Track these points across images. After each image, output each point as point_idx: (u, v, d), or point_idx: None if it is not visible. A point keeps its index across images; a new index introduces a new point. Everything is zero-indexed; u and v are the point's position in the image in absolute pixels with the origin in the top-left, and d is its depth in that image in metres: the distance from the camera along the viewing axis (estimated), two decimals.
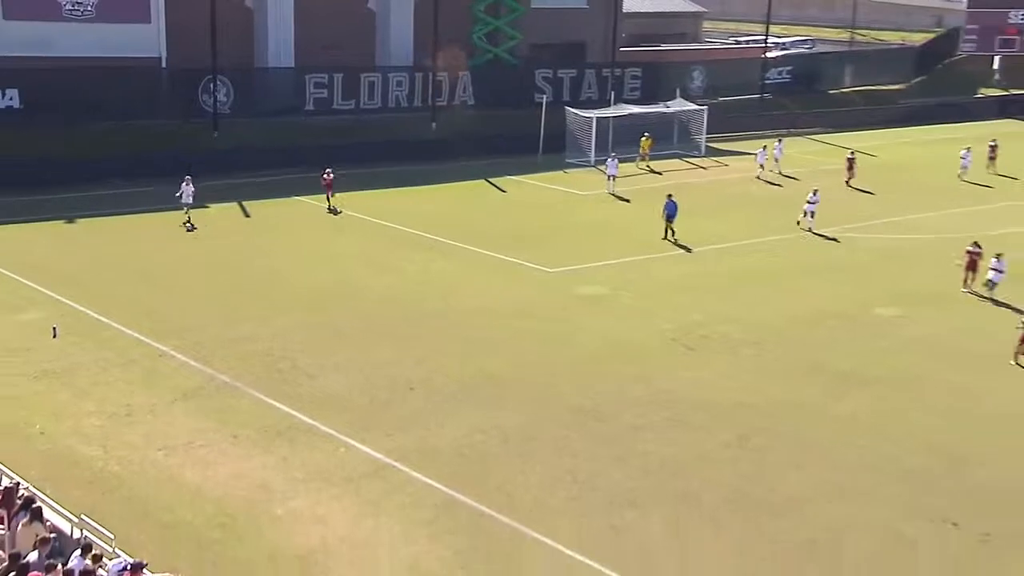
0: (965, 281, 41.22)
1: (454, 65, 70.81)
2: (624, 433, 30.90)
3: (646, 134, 67.82)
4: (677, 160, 67.97)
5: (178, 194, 46.40)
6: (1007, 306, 41.50)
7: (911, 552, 25.42)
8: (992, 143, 67.42)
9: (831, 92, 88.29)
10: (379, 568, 23.60)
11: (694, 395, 33.39)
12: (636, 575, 23.61)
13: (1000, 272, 42.36)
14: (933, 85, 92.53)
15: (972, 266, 40.90)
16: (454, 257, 45.91)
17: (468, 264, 45.04)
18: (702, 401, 32.96)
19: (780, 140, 68.44)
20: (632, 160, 65.32)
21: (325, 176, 48.18)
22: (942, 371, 36.48)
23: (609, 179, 56.70)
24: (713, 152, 70.24)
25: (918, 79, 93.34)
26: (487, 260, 45.58)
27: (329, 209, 48.38)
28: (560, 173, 63.54)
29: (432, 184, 57.86)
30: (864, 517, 26.93)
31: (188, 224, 46.74)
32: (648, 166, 65.65)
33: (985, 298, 42.27)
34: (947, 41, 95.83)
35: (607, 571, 23.80)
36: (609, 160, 57.52)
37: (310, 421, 30.33)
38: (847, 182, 62.30)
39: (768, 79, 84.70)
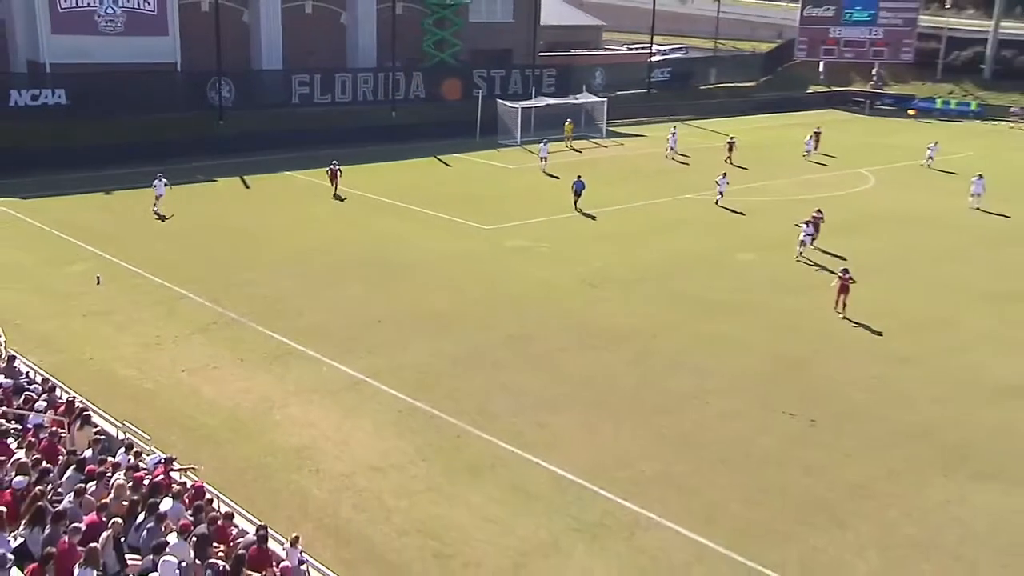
0: (836, 305, 35.92)
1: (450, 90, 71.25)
2: (547, 353, 31.52)
3: (569, 120, 68.82)
4: (585, 141, 67.96)
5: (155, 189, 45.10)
6: (831, 253, 42.10)
7: (763, 435, 26.19)
8: (816, 130, 68.21)
9: (700, 87, 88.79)
10: (357, 458, 24.09)
11: (599, 322, 34.16)
12: (555, 460, 24.18)
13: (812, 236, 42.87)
14: (776, 83, 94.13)
15: (844, 290, 35.73)
16: (410, 218, 46.27)
17: (421, 223, 45.45)
18: (606, 327, 33.79)
19: (675, 128, 68.49)
20: (553, 140, 64.98)
21: (332, 168, 47.63)
22: (784, 299, 37.13)
23: (542, 160, 56.79)
24: (612, 134, 71.04)
25: (765, 78, 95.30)
26: (436, 220, 45.99)
27: (335, 196, 48.00)
28: (494, 151, 64.01)
29: (393, 161, 58.31)
30: (728, 410, 27.58)
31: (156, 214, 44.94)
32: (571, 145, 65.66)
33: (804, 259, 42.29)
34: (785, 49, 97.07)
35: (533, 458, 24.16)
36: (542, 145, 58.23)
37: (300, 347, 30.79)
38: (727, 160, 62.36)
39: (653, 77, 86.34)
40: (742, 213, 50.57)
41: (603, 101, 72.21)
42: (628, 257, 42.19)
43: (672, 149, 65.76)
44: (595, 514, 22.20)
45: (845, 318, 34.86)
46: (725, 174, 52.76)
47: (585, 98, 72.30)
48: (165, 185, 42.32)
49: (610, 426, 26.45)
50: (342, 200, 45.68)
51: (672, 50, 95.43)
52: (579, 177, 49.51)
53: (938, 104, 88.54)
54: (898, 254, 43.96)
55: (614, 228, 46.33)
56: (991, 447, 26.47)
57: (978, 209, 51.69)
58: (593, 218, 47.99)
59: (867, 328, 34.73)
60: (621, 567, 20.39)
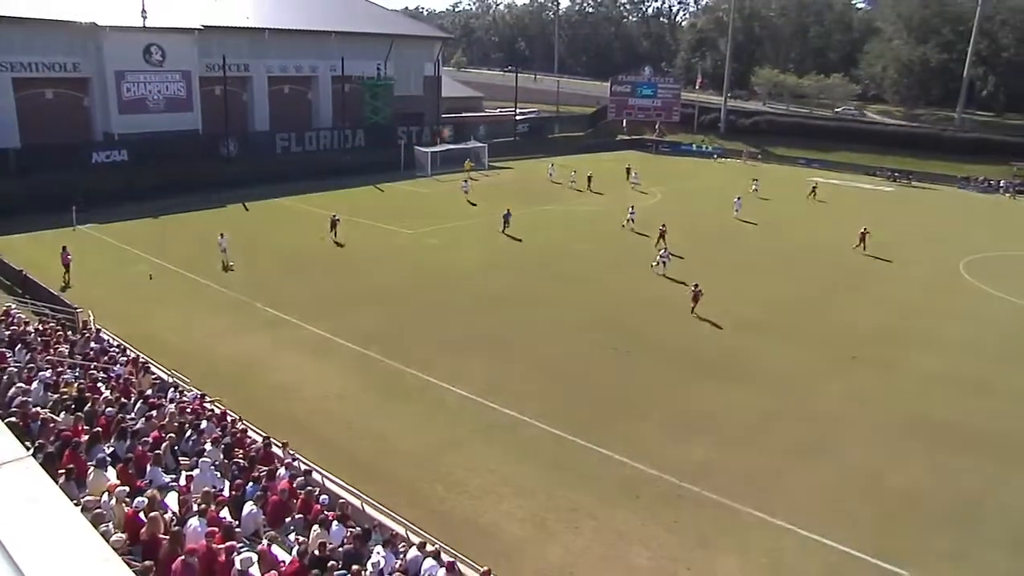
0: (692, 309, 32.69)
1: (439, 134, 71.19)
2: (459, 313, 31.96)
3: (468, 159, 68.65)
4: (475, 172, 67.69)
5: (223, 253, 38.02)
6: (645, 235, 42.81)
7: (596, 363, 26.69)
8: (627, 167, 68.05)
9: (548, 136, 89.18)
10: (326, 390, 24.03)
11: (490, 292, 34.60)
12: (460, 385, 24.53)
13: (668, 258, 38.19)
14: (597, 133, 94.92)
15: (696, 298, 32.62)
16: (357, 227, 45.79)
17: (364, 230, 45.16)
18: (494, 295, 34.21)
19: (552, 164, 68.42)
20: (452, 172, 64.98)
21: (333, 218, 42.86)
22: (614, 276, 37.79)
23: (464, 192, 55.22)
24: (493, 168, 70.11)
25: (590, 130, 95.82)
26: (374, 227, 45.78)
27: (335, 243, 42.29)
28: (413, 181, 63.50)
29: (344, 189, 57.37)
30: (574, 348, 28.06)
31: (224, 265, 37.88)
32: (470, 176, 65.37)
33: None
34: (602, 112, 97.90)
35: (445, 384, 24.41)
36: (463, 183, 56.69)
37: (284, 316, 30.84)
38: (588, 188, 61.87)
39: (517, 130, 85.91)
40: (609, 211, 51.32)
41: (484, 146, 72.21)
42: (506, 251, 42.59)
43: (551, 175, 65.74)
44: (488, 419, 22.65)
45: (697, 317, 32.14)
46: (633, 206, 49.47)
47: (473, 144, 72.31)
48: (225, 239, 37.79)
49: (498, 361, 26.91)
50: (341, 246, 41.31)
51: (529, 112, 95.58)
52: (508, 210, 46.12)
53: (696, 148, 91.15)
54: (686, 242, 44.86)
55: (498, 229, 46.53)
56: (729, 361, 27.66)
57: (737, 219, 52.24)
58: (485, 222, 48.15)
59: (668, 295, 35.72)
60: (505, 452, 20.88)
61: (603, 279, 37.58)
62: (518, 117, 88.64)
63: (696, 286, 32.63)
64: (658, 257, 38.09)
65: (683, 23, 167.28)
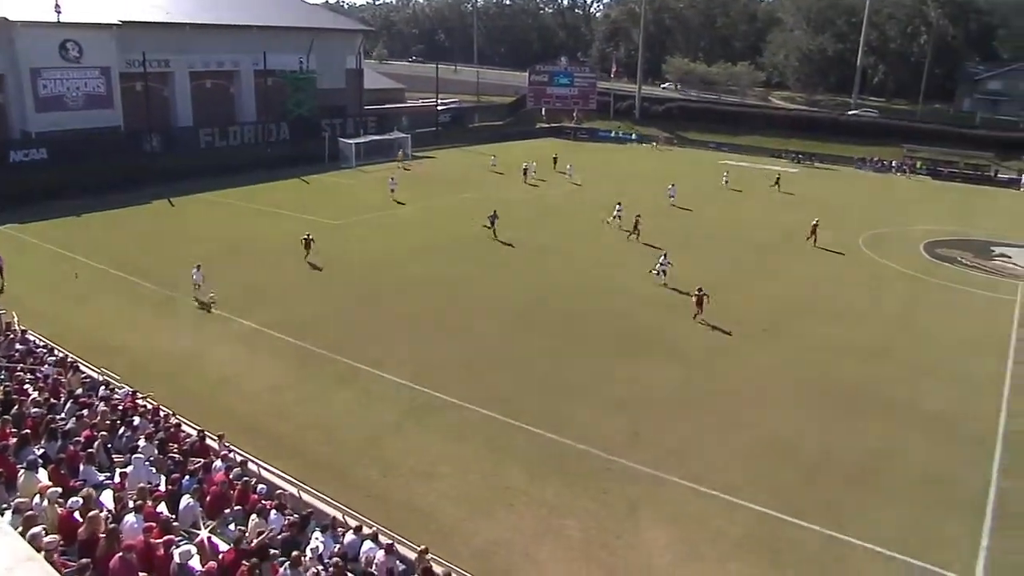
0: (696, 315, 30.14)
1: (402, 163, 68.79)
2: (390, 300, 32.10)
3: (401, 149, 67.92)
4: (396, 162, 66.88)
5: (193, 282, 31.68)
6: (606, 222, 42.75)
7: (523, 342, 26.86)
8: (555, 156, 67.31)
9: (470, 126, 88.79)
10: (262, 381, 23.52)
11: (419, 275, 34.53)
12: (393, 371, 24.20)
13: (668, 265, 34.41)
14: (517, 122, 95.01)
15: (699, 303, 30.17)
16: (283, 219, 44.98)
17: (293, 222, 44.08)
18: (422, 277, 34.21)
19: (494, 156, 67.22)
20: (376, 162, 64.12)
21: (306, 237, 36.64)
22: (535, 259, 37.70)
23: (391, 191, 52.04)
24: (416, 158, 69.30)
25: (510, 118, 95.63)
26: (300, 219, 44.74)
27: (308, 262, 36.25)
28: (337, 172, 62.37)
29: (270, 183, 55.99)
30: (501, 329, 28.14)
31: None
32: (402, 166, 64.66)
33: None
34: (521, 101, 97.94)
35: (378, 372, 24.18)
36: (391, 179, 53.74)
37: (215, 310, 29.56)
38: (525, 182, 59.98)
39: (439, 120, 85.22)
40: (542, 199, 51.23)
41: (408, 136, 71.48)
42: (428, 236, 42.26)
43: (493, 165, 64.73)
44: (421, 403, 22.57)
45: (704, 323, 29.99)
46: (620, 202, 46.79)
47: (397, 135, 71.42)
48: (200, 273, 31.27)
49: (430, 345, 26.78)
50: (320, 270, 35.30)
51: (451, 103, 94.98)
52: (495, 211, 42.51)
53: (615, 135, 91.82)
54: (598, 225, 45.38)
55: (426, 217, 46.25)
56: (650, 337, 28.08)
57: (674, 205, 51.88)
58: (406, 209, 47.66)
59: (592, 277, 35.98)
60: (439, 434, 20.85)
61: (526, 262, 37.72)
62: (440, 108, 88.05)
63: (700, 290, 30.18)
64: (657, 266, 34.36)
65: (597, 14, 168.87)
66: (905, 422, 22.88)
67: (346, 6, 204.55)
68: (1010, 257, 44.26)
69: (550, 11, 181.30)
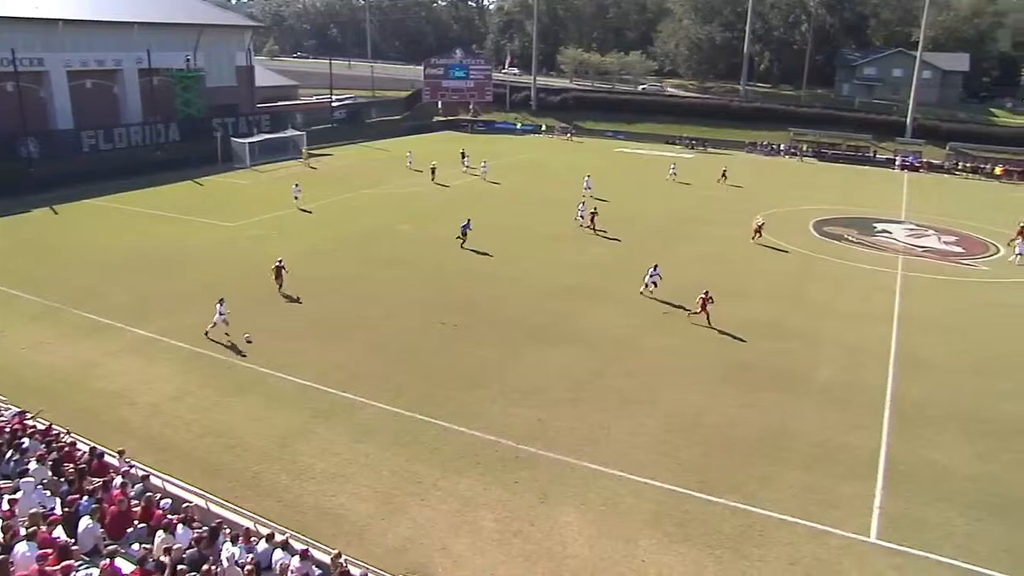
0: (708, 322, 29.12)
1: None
2: (289, 302, 30.56)
3: (304, 148, 66.89)
4: (295, 161, 65.39)
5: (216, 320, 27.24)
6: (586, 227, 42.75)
7: (426, 338, 26.73)
8: (463, 151, 65.18)
9: (367, 121, 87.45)
10: (159, 392, 22.97)
11: (318, 278, 33.62)
12: (297, 373, 23.97)
13: (658, 277, 32.36)
14: (414, 116, 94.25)
15: (704, 306, 29.05)
16: (179, 223, 43.40)
17: (186, 226, 42.70)
18: (323, 280, 33.40)
19: (409, 152, 64.81)
20: (271, 162, 62.53)
21: (278, 264, 32.11)
22: (438, 254, 37.71)
23: (295, 198, 48.36)
24: (313, 155, 67.81)
25: (407, 113, 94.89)
26: (194, 223, 43.44)
27: (281, 293, 31.75)
28: (231, 173, 60.63)
29: (160, 186, 53.78)
30: (404, 325, 27.97)
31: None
32: (308, 164, 63.32)
33: (653, 298, 32.10)
34: (417, 95, 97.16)
35: (282, 375, 23.86)
36: (295, 186, 49.61)
37: (108, 321, 28.62)
38: (433, 180, 57.87)
39: (335, 116, 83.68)
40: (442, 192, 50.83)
41: (303, 134, 70.01)
42: (330, 235, 41.61)
43: (409, 164, 62.36)
44: (327, 405, 22.24)
45: (711, 327, 29.08)
46: (583, 202, 46.42)
47: (291, 133, 69.93)
48: (224, 307, 27.07)
49: (333, 345, 26.40)
50: (298, 301, 30.78)
51: (346, 98, 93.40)
52: (468, 220, 39.81)
53: (519, 126, 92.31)
54: (504, 218, 45.57)
55: (322, 216, 45.47)
56: (555, 326, 28.45)
57: (591, 196, 51.15)
58: (308, 210, 46.71)
59: (491, 269, 36.09)
60: (347, 434, 20.64)
61: (429, 257, 37.58)
62: (335, 104, 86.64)
63: (706, 293, 29.40)
64: (647, 279, 32.34)
65: (491, 7, 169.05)
66: (801, 393, 24.04)
67: (233, 1, 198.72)
68: (891, 233, 46.73)
69: (444, 4, 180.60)
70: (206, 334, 26.68)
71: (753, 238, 42.14)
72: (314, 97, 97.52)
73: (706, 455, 20.21)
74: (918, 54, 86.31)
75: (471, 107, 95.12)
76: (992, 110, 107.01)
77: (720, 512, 17.79)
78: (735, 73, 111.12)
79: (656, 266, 32.56)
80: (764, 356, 26.79)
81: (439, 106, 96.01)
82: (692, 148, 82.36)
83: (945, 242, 45.01)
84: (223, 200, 50.53)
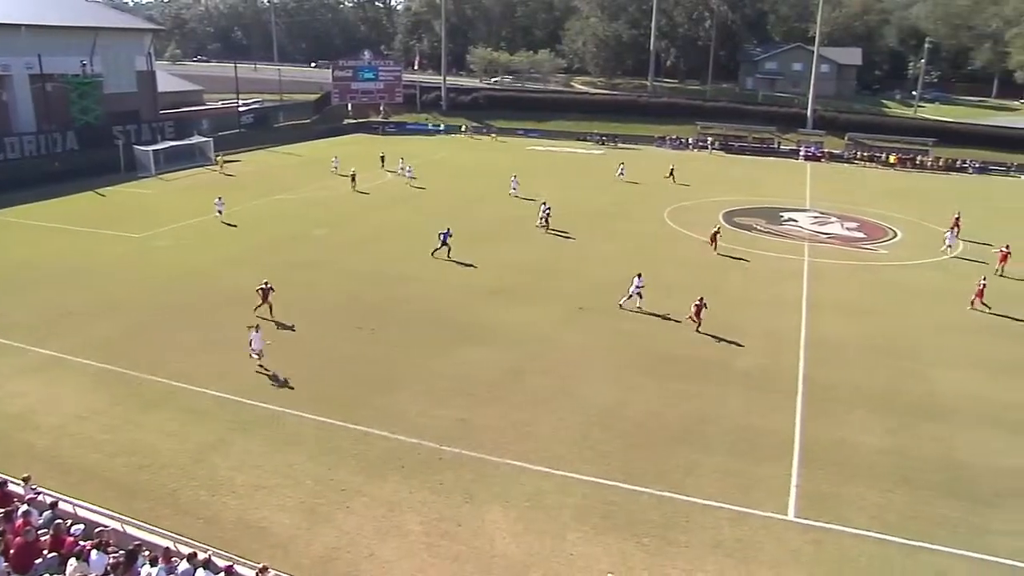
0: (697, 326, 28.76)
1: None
2: (200, 313, 30.60)
3: (219, 154, 65.18)
4: (202, 168, 63.41)
5: None
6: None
7: (345, 342, 26.49)
8: (382, 155, 64.62)
9: (275, 125, 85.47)
10: (66, 412, 22.07)
11: (229, 288, 32.64)
12: (213, 386, 23.25)
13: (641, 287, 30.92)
14: (324, 119, 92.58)
15: (697, 312, 28.76)
16: (79, 236, 41.49)
17: (88, 238, 40.94)
18: (234, 290, 32.33)
19: (335, 156, 63.64)
20: (176, 170, 60.60)
21: (264, 287, 29.01)
22: (354, 257, 37.15)
23: (219, 212, 45.52)
24: (227, 163, 65.52)
25: (316, 116, 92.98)
26: (98, 235, 41.73)
27: (272, 319, 28.80)
28: (136, 182, 58.20)
29: (59, 198, 51.25)
30: (323, 330, 27.47)
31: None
32: (223, 172, 61.42)
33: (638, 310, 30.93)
34: (327, 97, 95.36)
35: (196, 388, 23.15)
36: (217, 199, 46.44)
37: (5, 341, 27.00)
38: (335, 171, 58.77)
39: (242, 121, 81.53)
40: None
41: (210, 140, 68.08)
42: (248, 241, 40.54)
43: (335, 168, 60.91)
44: (246, 416, 21.69)
45: (699, 331, 28.77)
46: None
47: (198, 139, 67.88)
48: (259, 336, 24.94)
49: (247, 355, 25.61)
50: (291, 329, 27.92)
51: (253, 103, 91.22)
52: (448, 230, 37.82)
53: (430, 126, 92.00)
54: (420, 218, 45.23)
55: (237, 223, 44.14)
56: (474, 326, 28.43)
57: (516, 196, 51.74)
58: (219, 217, 45.31)
59: (410, 271, 35.75)
60: (268, 445, 20.18)
61: (343, 261, 37.04)
62: (241, 108, 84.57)
63: (701, 299, 29.00)
64: (632, 289, 30.95)
65: (399, 7, 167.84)
66: (720, 381, 24.72)
67: (132, 3, 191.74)
68: (797, 221, 48.41)
69: (351, 5, 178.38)
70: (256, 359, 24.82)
71: (712, 245, 39.74)
72: (220, 102, 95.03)
73: (630, 446, 20.53)
74: (815, 49, 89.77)
75: (382, 109, 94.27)
76: (884, 101, 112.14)
77: (645, 501, 18.11)
78: (642, 69, 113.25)
79: (640, 275, 30.97)
80: (683, 347, 27.40)
81: (349, 108, 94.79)
82: (603, 144, 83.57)
83: (848, 228, 46.88)
84: (128, 210, 48.49)
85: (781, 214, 50.18)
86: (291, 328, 28.36)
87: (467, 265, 36.43)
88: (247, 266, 36.11)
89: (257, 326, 25.24)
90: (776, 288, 34.24)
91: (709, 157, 77.44)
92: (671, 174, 60.83)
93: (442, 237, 37.38)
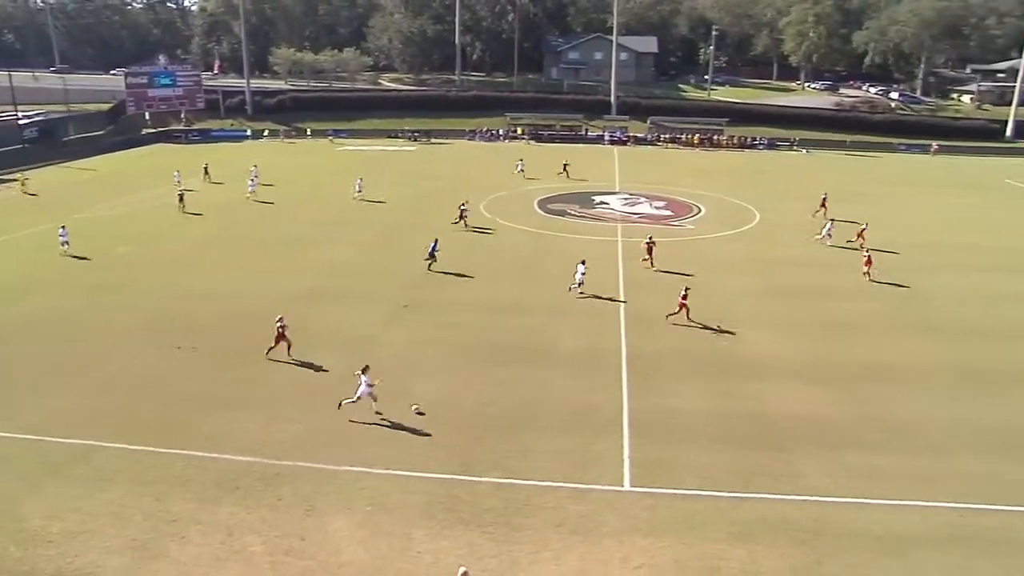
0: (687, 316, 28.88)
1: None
2: (128, 310, 26.88)
3: (23, 174, 58.98)
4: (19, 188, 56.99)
5: None
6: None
7: (163, 363, 25.20)
8: (205, 165, 60.57)
9: (64, 139, 78.89)
10: None
11: (27, 316, 29.71)
12: (16, 425, 21.18)
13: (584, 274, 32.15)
14: (119, 130, 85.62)
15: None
16: None
17: None
18: (33, 317, 29.51)
19: (205, 164, 59.81)
20: None
21: (280, 324, 25.69)
22: (159, 276, 34.97)
23: (64, 245, 38.97)
24: (2, 181, 59.70)
25: (111, 127, 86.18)
26: None
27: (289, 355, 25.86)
28: None
29: None
30: (133, 360, 25.82)
31: None
32: (25, 191, 55.91)
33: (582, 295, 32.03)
34: (121, 106, 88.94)
35: None
36: (62, 229, 39.47)
37: None
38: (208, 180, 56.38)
39: (25, 136, 74.49)
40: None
41: None
42: (43, 265, 37.03)
43: (206, 178, 57.93)
44: (56, 456, 19.97)
45: (691, 323, 28.85)
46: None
47: None
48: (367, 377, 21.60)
49: (54, 389, 23.54)
50: (314, 367, 24.56)
51: (35, 115, 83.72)
52: (435, 240, 36.19)
53: (248, 133, 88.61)
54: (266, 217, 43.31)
55: (27, 247, 40.20)
56: (295, 332, 27.52)
57: (362, 199, 50.80)
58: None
59: (218, 287, 34.14)
60: (85, 485, 18.69)
61: (155, 281, 34.77)
62: (22, 122, 77.55)
63: (686, 290, 29.17)
64: (578, 276, 31.94)
65: (193, 7, 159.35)
66: (549, 364, 25.51)
67: None
68: (608, 204, 50.55)
69: (140, 7, 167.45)
70: (340, 405, 21.88)
71: (646, 260, 36.78)
72: None
73: (466, 438, 20.71)
74: (614, 38, 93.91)
75: (183, 116, 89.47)
76: (680, 86, 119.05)
77: (487, 490, 18.35)
78: (449, 64, 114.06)
79: (584, 261, 32.62)
80: (510, 334, 27.95)
81: (147, 117, 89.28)
82: (415, 140, 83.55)
83: (656, 207, 49.52)
84: None
85: (593, 198, 52.21)
86: (318, 368, 25.36)
87: (283, 271, 35.26)
88: (45, 290, 33.06)
89: (366, 366, 21.81)
90: (594, 269, 35.51)
91: (522, 147, 79.16)
92: (565, 170, 60.66)
93: (431, 250, 35.74)
